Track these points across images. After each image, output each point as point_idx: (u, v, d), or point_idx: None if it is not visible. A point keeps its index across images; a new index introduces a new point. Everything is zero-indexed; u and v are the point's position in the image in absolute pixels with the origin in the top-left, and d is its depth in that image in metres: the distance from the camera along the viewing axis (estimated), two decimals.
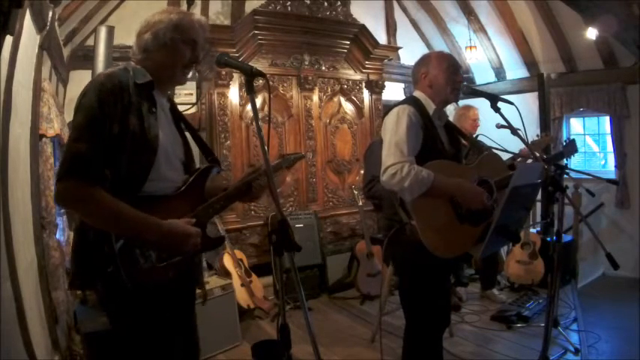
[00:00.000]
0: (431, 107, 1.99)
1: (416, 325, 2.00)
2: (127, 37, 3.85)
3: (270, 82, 4.15)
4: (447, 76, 1.97)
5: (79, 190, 1.23)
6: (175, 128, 1.55)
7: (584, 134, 5.33)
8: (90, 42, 3.63)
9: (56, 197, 1.28)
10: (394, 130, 1.85)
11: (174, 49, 1.43)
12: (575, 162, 5.25)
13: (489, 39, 5.45)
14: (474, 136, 3.57)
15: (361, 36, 4.70)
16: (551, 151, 4.36)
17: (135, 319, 1.37)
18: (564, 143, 2.50)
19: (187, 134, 1.63)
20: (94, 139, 1.25)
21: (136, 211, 1.28)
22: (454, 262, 2.05)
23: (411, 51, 5.58)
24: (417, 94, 2.05)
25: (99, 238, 1.27)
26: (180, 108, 1.65)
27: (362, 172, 4.73)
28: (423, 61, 2.06)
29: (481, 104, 2.58)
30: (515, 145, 2.46)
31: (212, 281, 3.21)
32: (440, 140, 1.97)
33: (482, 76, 5.95)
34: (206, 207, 1.50)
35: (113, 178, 1.28)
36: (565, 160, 4.36)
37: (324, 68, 4.63)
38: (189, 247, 1.38)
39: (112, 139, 1.28)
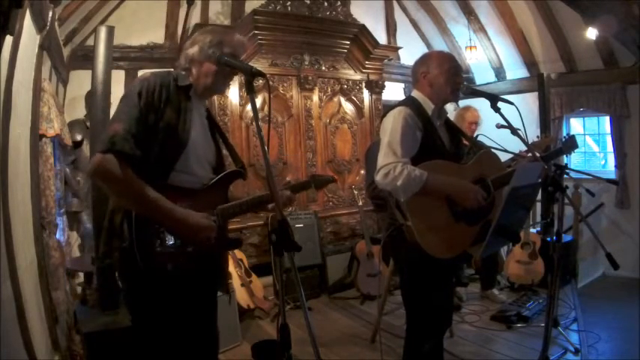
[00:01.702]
0: (429, 107, 1.99)
1: (417, 325, 2.00)
2: (127, 37, 3.87)
3: (270, 82, 4.15)
4: (448, 76, 1.96)
5: (112, 165, 1.35)
6: (210, 135, 1.68)
7: (584, 134, 5.33)
8: (90, 42, 3.64)
9: (90, 169, 1.41)
10: (389, 132, 1.86)
11: (217, 63, 1.55)
12: (575, 162, 5.26)
13: (489, 39, 5.45)
14: (474, 136, 3.57)
15: (361, 36, 4.70)
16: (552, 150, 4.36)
17: (147, 299, 1.47)
18: (563, 139, 2.48)
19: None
20: (131, 123, 1.40)
21: (157, 195, 1.40)
22: (454, 263, 2.05)
23: (411, 51, 5.58)
24: (416, 94, 2.04)
25: (123, 219, 1.41)
26: None
27: (362, 172, 4.74)
28: (424, 60, 2.05)
29: (481, 104, 2.57)
30: (515, 145, 2.45)
31: None
32: (440, 139, 1.97)
33: (482, 76, 5.95)
34: (228, 207, 1.60)
35: (143, 164, 1.40)
36: (565, 157, 4.36)
37: (324, 68, 4.63)
38: (202, 239, 1.47)
39: (147, 128, 1.43)
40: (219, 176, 1.61)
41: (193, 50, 1.58)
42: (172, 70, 1.61)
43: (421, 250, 1.78)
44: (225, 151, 1.75)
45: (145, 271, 1.40)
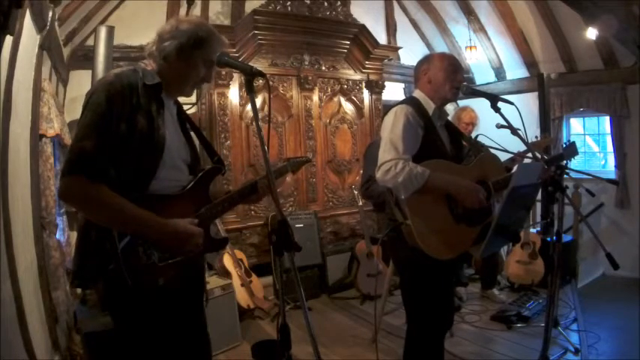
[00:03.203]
0: (430, 107, 1.99)
1: (417, 326, 1.99)
2: (127, 37, 3.86)
3: (270, 82, 4.15)
4: (447, 74, 1.97)
5: (83, 187, 1.25)
6: (181, 130, 1.57)
7: (584, 134, 5.33)
8: (90, 42, 3.63)
9: (60, 193, 1.29)
10: (391, 129, 1.86)
11: (193, 66, 1.46)
12: (575, 162, 5.24)
13: (489, 39, 5.45)
14: (474, 136, 3.57)
15: (361, 36, 4.70)
16: (551, 151, 4.36)
17: (137, 319, 1.38)
18: (565, 145, 2.49)
19: (193, 136, 1.65)
20: (100, 138, 1.27)
21: (139, 209, 1.30)
22: (454, 263, 2.05)
23: (411, 51, 5.58)
24: (417, 93, 2.05)
25: (102, 237, 1.29)
26: None
27: (362, 172, 4.74)
28: (425, 59, 2.07)
29: (481, 104, 2.57)
30: (516, 145, 2.46)
31: (212, 281, 3.20)
32: (440, 140, 1.97)
33: (483, 76, 5.95)
34: (210, 208, 1.52)
35: (120, 177, 1.30)
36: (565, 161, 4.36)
37: (324, 68, 4.63)
38: (191, 247, 1.40)
39: (119, 138, 1.30)
40: (196, 178, 1.51)
41: (171, 47, 1.42)
42: (137, 66, 1.47)
43: (421, 250, 1.78)
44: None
45: (134, 289, 1.30)
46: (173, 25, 1.46)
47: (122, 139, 1.31)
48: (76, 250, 1.38)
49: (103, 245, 1.28)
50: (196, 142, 1.66)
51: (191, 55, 1.44)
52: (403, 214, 1.83)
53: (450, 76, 1.97)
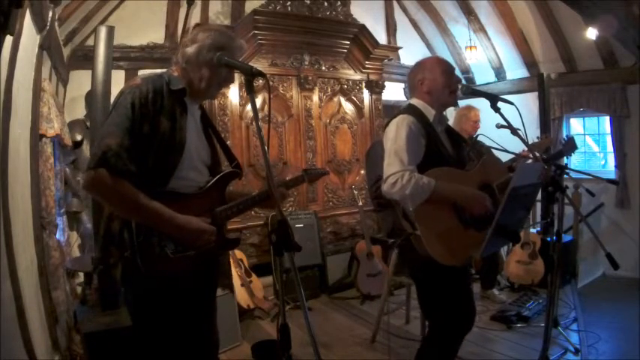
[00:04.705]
0: (430, 113, 1.99)
1: (440, 331, 1.97)
2: (127, 37, 3.87)
3: (270, 82, 4.16)
4: (444, 80, 1.97)
5: (105, 180, 1.34)
6: (204, 135, 1.66)
7: (584, 134, 5.33)
8: (90, 42, 3.64)
9: (83, 184, 1.43)
10: (394, 140, 1.86)
11: (214, 68, 1.53)
12: (575, 162, 5.26)
13: (489, 39, 5.45)
14: (474, 136, 3.56)
15: (361, 36, 4.70)
16: (551, 151, 4.36)
17: (150, 306, 1.47)
18: (563, 141, 2.50)
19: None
20: (124, 137, 1.37)
21: (156, 204, 1.39)
22: (466, 266, 2.04)
23: (411, 51, 5.59)
24: (415, 101, 2.04)
25: (122, 227, 1.40)
26: None
27: (362, 172, 4.74)
28: (418, 67, 2.06)
29: (481, 104, 2.57)
30: (516, 146, 2.46)
31: None
32: (443, 146, 1.97)
33: (482, 76, 5.95)
34: (225, 209, 1.60)
35: (141, 174, 1.39)
36: (565, 158, 4.36)
37: (324, 68, 4.63)
38: (203, 242, 1.48)
39: (142, 138, 1.40)
40: (214, 179, 1.59)
41: (192, 50, 1.52)
42: (164, 72, 1.57)
43: (431, 257, 1.78)
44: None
45: (147, 278, 1.40)
46: (194, 33, 1.58)
47: (145, 139, 1.41)
48: (101, 239, 1.49)
49: (123, 235, 1.39)
50: None
51: (211, 58, 1.51)
52: (412, 225, 1.83)
53: (447, 81, 1.97)
